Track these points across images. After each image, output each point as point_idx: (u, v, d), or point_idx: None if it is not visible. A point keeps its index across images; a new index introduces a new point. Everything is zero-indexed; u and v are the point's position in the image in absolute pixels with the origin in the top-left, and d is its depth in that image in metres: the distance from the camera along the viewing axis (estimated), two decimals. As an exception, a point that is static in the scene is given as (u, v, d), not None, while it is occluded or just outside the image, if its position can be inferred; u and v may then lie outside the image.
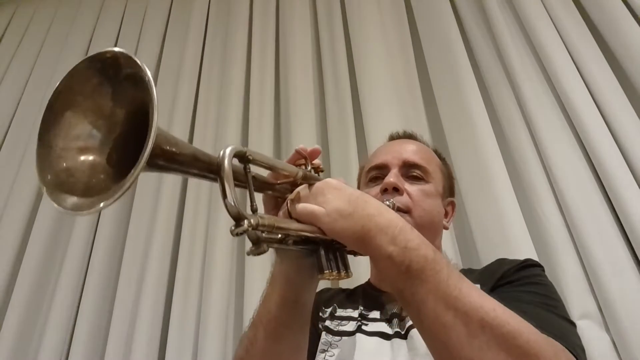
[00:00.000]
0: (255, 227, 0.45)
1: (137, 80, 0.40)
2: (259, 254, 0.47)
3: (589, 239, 1.09)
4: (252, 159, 0.51)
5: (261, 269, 1.31)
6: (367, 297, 0.88)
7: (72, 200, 0.40)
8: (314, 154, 0.63)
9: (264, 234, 0.47)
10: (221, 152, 0.47)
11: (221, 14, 1.93)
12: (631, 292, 1.01)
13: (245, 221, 0.44)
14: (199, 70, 1.82)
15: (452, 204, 0.96)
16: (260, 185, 0.58)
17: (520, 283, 0.71)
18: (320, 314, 0.87)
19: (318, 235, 0.53)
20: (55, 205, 0.39)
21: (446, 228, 0.92)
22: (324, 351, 0.79)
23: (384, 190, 0.83)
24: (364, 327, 0.80)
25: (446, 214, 0.93)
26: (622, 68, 1.29)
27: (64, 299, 1.46)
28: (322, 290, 0.99)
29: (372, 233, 0.50)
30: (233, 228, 0.44)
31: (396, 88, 1.51)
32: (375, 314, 0.82)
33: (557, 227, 1.16)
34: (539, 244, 1.16)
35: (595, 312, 1.05)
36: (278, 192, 0.60)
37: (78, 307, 1.47)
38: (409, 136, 1.01)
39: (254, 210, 0.48)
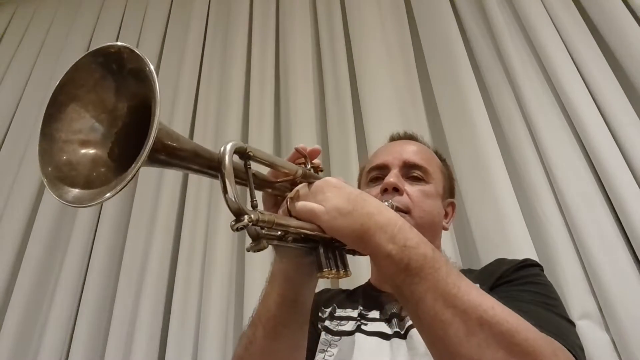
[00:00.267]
0: (255, 223, 0.45)
1: (140, 75, 0.40)
2: (258, 250, 0.47)
3: (589, 239, 1.09)
4: (253, 156, 0.51)
5: (261, 268, 1.31)
6: (367, 297, 0.88)
7: (72, 192, 0.40)
8: (313, 154, 0.63)
9: (263, 231, 0.48)
10: (222, 148, 0.47)
11: (221, 14, 1.93)
12: (631, 292, 1.01)
13: (246, 216, 0.44)
14: (199, 70, 1.82)
15: (452, 204, 0.96)
16: (260, 183, 0.58)
17: (519, 282, 0.71)
18: (320, 314, 0.87)
19: (317, 233, 0.53)
20: (56, 197, 0.39)
21: (446, 229, 0.92)
22: (323, 351, 0.79)
23: (384, 191, 0.83)
24: (363, 327, 0.80)
25: (446, 215, 0.93)
26: (622, 68, 1.29)
27: (64, 299, 1.46)
28: (321, 291, 0.99)
29: (371, 231, 0.51)
30: (233, 223, 0.45)
31: (396, 88, 1.51)
32: (375, 314, 0.82)
33: (557, 227, 1.16)
34: (539, 244, 1.16)
35: (595, 312, 1.05)
36: (278, 190, 0.60)
37: (78, 307, 1.47)
38: (410, 137, 1.01)
39: (254, 207, 0.48)
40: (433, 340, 0.48)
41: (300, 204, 0.54)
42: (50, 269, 1.57)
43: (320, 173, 0.63)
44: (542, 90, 1.34)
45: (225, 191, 0.45)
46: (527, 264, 0.76)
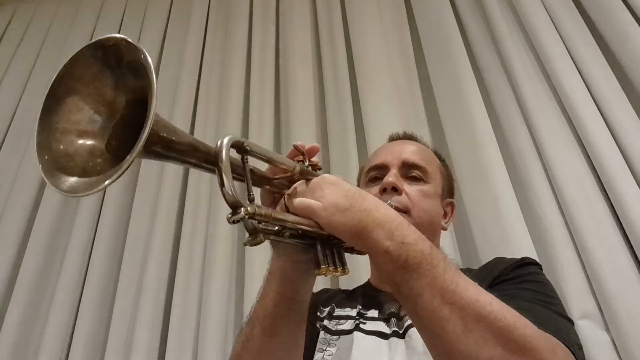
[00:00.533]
0: (252, 216, 0.45)
1: (137, 68, 0.40)
2: (255, 244, 0.47)
3: (589, 238, 1.09)
4: (250, 150, 0.51)
5: (261, 268, 1.30)
6: (366, 297, 0.88)
7: (69, 182, 0.40)
8: (312, 151, 0.63)
9: (260, 225, 0.48)
10: (219, 142, 0.47)
11: (221, 14, 1.93)
12: (631, 292, 1.01)
13: (242, 209, 0.44)
14: (199, 70, 1.82)
15: (452, 205, 0.96)
16: (258, 179, 0.58)
17: (517, 281, 0.71)
18: (318, 313, 0.88)
19: (315, 229, 0.53)
20: (52, 185, 0.40)
21: (445, 229, 0.92)
22: (322, 350, 0.79)
23: (383, 190, 0.83)
24: (361, 326, 0.80)
25: (445, 215, 0.93)
26: (622, 68, 1.29)
27: (64, 299, 1.46)
28: (320, 291, 0.99)
29: (369, 228, 0.50)
30: (229, 216, 0.45)
31: (396, 88, 1.51)
32: (374, 313, 0.82)
33: (557, 227, 1.16)
34: (538, 243, 1.16)
35: (595, 312, 1.05)
36: (276, 187, 0.60)
37: (78, 307, 1.47)
38: (409, 137, 1.01)
39: (251, 200, 0.48)
40: (431, 337, 0.48)
41: (297, 200, 0.54)
42: (51, 269, 1.57)
43: (318, 171, 0.63)
44: (542, 90, 1.34)
45: (222, 184, 0.45)
46: (526, 262, 0.76)
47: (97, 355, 1.39)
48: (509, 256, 0.82)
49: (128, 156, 0.38)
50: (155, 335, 1.34)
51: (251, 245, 0.47)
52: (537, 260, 0.82)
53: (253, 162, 0.54)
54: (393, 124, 1.33)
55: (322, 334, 0.82)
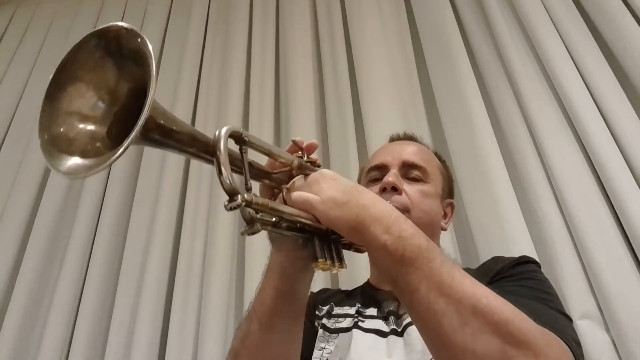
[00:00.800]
0: (249, 204, 0.46)
1: (139, 56, 0.41)
2: (252, 233, 0.47)
3: (589, 238, 1.09)
4: (248, 141, 0.52)
5: (261, 268, 1.30)
6: (365, 296, 0.89)
7: (67, 163, 0.41)
8: (310, 148, 0.64)
9: (258, 215, 0.48)
10: (217, 132, 0.48)
11: (221, 14, 1.93)
12: (631, 292, 1.01)
13: (239, 196, 0.45)
14: (199, 70, 1.82)
15: (451, 205, 0.96)
16: (257, 172, 0.59)
17: (515, 278, 0.71)
18: (317, 312, 0.88)
19: (312, 223, 0.54)
20: (49, 164, 0.41)
21: (444, 229, 0.92)
22: (321, 348, 0.79)
23: (383, 190, 0.83)
24: (360, 324, 0.81)
25: (445, 215, 0.93)
26: (622, 68, 1.29)
27: (64, 299, 1.46)
28: (320, 291, 0.99)
29: (366, 222, 0.51)
30: (226, 203, 0.45)
31: (396, 88, 1.51)
32: (372, 311, 0.83)
33: (557, 227, 1.16)
34: (538, 243, 1.16)
35: (595, 312, 1.05)
36: (275, 182, 0.61)
37: (78, 306, 1.47)
38: (410, 138, 1.01)
39: (249, 190, 0.48)
40: (427, 330, 0.48)
41: (296, 194, 0.55)
42: (51, 268, 1.57)
43: (317, 168, 0.64)
44: (542, 90, 1.34)
45: (220, 173, 0.45)
46: (524, 260, 0.76)
47: (97, 355, 1.39)
48: (508, 256, 0.82)
49: (126, 139, 0.38)
50: (155, 336, 1.34)
51: (248, 235, 0.48)
52: (537, 259, 0.82)
53: (253, 157, 0.55)
54: (393, 124, 1.34)
55: (320, 332, 0.82)
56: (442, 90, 1.48)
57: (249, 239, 1.40)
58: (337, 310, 0.86)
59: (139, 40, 0.41)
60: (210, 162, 0.49)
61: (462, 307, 0.45)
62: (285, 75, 1.69)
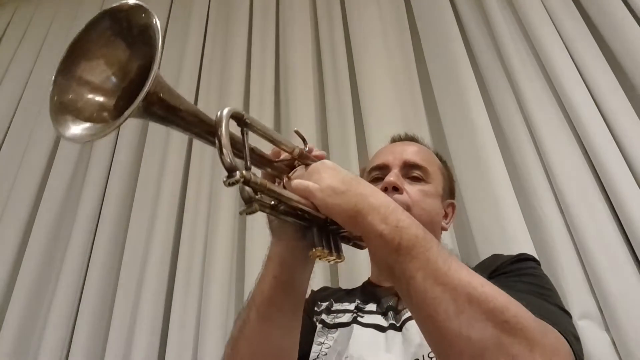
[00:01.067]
0: (247, 182, 0.47)
1: (147, 34, 0.43)
2: (250, 212, 0.49)
3: (589, 238, 1.09)
4: (250, 124, 0.53)
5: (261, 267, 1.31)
6: (365, 292, 0.90)
7: (71, 127, 0.44)
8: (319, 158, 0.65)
9: (257, 196, 0.49)
10: (219, 112, 0.49)
11: (221, 14, 1.93)
12: (631, 292, 1.01)
13: (237, 172, 0.46)
14: (199, 70, 1.82)
15: (452, 205, 0.97)
16: (259, 159, 0.60)
17: (514, 274, 0.71)
18: (316, 308, 0.89)
19: (311, 210, 0.54)
20: (55, 128, 0.43)
21: (445, 229, 0.92)
22: (320, 343, 0.80)
23: (384, 190, 0.83)
24: (359, 319, 0.81)
25: (446, 215, 0.93)
26: (622, 68, 1.29)
27: (64, 299, 1.46)
28: (320, 289, 1.00)
29: (364, 211, 0.51)
30: (225, 179, 0.46)
31: (396, 88, 1.51)
32: (372, 307, 0.83)
33: (557, 227, 1.16)
34: (539, 244, 1.16)
35: (595, 312, 1.05)
36: (276, 170, 0.62)
37: (78, 306, 1.47)
38: (411, 138, 1.02)
39: (248, 169, 0.50)
40: (423, 319, 0.48)
41: (296, 181, 0.56)
42: (50, 268, 1.57)
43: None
44: (542, 90, 1.34)
45: (220, 150, 0.47)
46: (523, 257, 0.77)
47: (97, 355, 1.39)
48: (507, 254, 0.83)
49: (129, 109, 0.40)
50: (155, 335, 1.34)
51: (247, 214, 0.49)
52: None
53: (255, 145, 0.56)
54: (393, 124, 1.34)
55: (319, 327, 0.83)
56: (442, 90, 1.48)
57: (250, 239, 1.40)
58: (337, 306, 0.87)
59: (143, 14, 0.43)
60: (212, 142, 0.50)
61: (458, 295, 0.45)
62: (285, 75, 1.69)
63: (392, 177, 0.83)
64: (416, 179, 0.87)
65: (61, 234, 1.63)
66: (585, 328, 1.02)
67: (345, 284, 1.18)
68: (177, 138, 1.64)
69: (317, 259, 0.55)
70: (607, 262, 1.05)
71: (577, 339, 0.56)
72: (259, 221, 1.29)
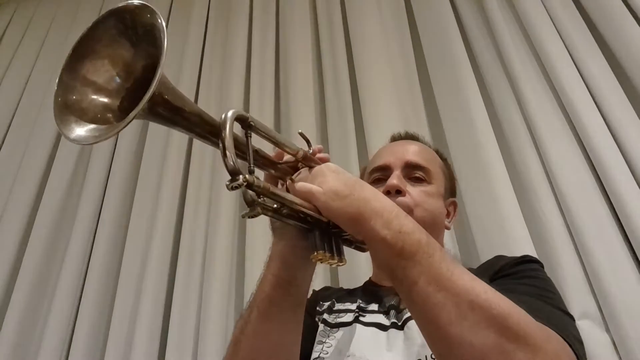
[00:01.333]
0: (250, 186, 0.47)
1: (152, 34, 0.44)
2: (252, 216, 0.49)
3: (589, 239, 1.09)
4: (254, 126, 0.53)
5: (261, 268, 1.30)
6: (366, 292, 0.89)
7: (75, 129, 0.44)
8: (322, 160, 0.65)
9: (259, 199, 0.49)
10: (223, 114, 0.49)
11: (221, 14, 1.93)
12: (631, 292, 1.01)
13: (241, 176, 0.46)
14: (199, 70, 1.82)
15: (454, 204, 0.97)
16: (262, 161, 0.60)
17: (517, 276, 0.71)
18: (318, 308, 0.88)
19: (313, 213, 0.54)
20: (59, 129, 0.43)
21: (448, 228, 0.92)
22: (321, 342, 0.79)
23: (387, 193, 0.83)
24: (361, 318, 0.81)
25: (448, 214, 0.93)
26: (622, 68, 1.29)
27: (64, 299, 1.46)
28: (322, 288, 1.00)
29: (366, 216, 0.51)
30: (228, 182, 0.46)
31: (396, 88, 1.51)
32: (374, 307, 0.83)
33: (557, 227, 1.16)
34: (539, 244, 1.16)
35: (595, 312, 1.05)
36: (280, 172, 0.62)
37: (78, 307, 1.47)
38: (411, 137, 1.01)
39: (251, 172, 0.49)
40: (425, 323, 0.48)
41: (299, 184, 0.56)
42: (50, 269, 1.57)
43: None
44: (542, 90, 1.34)
45: (224, 153, 0.47)
46: (527, 259, 0.77)
47: (97, 355, 1.39)
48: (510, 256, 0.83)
49: (133, 110, 0.40)
50: (155, 335, 1.34)
51: (249, 217, 0.49)
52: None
53: (258, 145, 0.56)
54: (393, 124, 1.34)
55: (321, 327, 0.83)
56: (442, 90, 1.48)
57: (250, 239, 1.40)
58: (339, 305, 0.87)
59: (148, 15, 0.43)
60: (216, 144, 0.50)
61: (461, 301, 0.45)
62: (285, 75, 1.69)
63: (395, 180, 0.83)
64: (418, 180, 0.87)
65: (61, 234, 1.63)
66: (585, 328, 1.02)
67: (346, 284, 1.17)
68: (178, 138, 1.64)
69: (319, 262, 0.55)
70: (607, 262, 1.05)
71: (580, 342, 0.56)
72: (259, 222, 1.29)
